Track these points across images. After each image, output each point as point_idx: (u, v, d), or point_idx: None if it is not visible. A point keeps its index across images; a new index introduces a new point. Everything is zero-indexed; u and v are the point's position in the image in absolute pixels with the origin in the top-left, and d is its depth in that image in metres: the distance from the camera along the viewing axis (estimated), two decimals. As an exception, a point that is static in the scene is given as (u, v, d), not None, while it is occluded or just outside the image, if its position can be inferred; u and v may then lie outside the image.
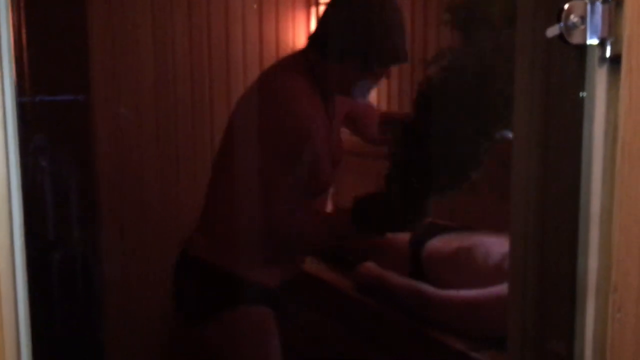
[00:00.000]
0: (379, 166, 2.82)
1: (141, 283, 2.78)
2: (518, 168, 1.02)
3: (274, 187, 1.73)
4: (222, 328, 1.87)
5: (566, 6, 0.86)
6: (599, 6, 0.86)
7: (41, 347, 0.66)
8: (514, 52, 1.00)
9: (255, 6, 2.94)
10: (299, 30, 3.04)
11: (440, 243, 2.24)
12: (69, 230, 2.20)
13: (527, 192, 1.02)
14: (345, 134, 2.09)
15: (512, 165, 1.04)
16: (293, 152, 1.73)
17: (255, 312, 1.89)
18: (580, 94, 0.91)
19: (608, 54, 0.87)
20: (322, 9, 2.99)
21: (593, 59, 0.88)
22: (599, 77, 0.88)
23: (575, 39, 0.86)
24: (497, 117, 1.62)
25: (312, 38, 1.80)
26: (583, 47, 0.88)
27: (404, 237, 2.35)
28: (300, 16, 3.04)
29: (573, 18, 0.86)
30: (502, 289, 1.91)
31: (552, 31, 0.87)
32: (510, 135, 1.70)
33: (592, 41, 0.87)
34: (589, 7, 0.86)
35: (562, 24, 0.86)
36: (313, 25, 3.03)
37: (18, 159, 0.62)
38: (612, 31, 0.86)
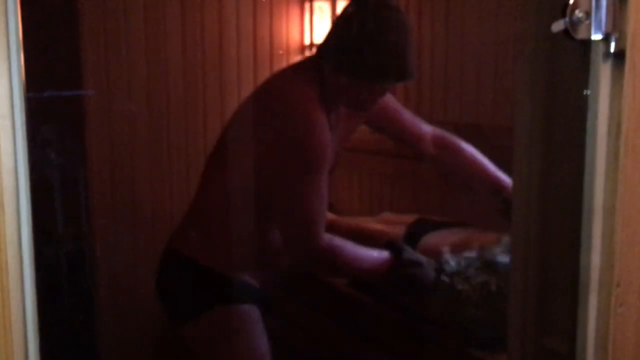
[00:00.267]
0: (371, 161, 2.83)
1: (133, 279, 2.77)
2: (519, 163, 1.02)
3: (310, 201, 1.71)
4: (207, 328, 1.84)
5: (571, 1, 0.86)
6: (603, 2, 0.86)
7: (45, 341, 0.65)
8: (517, 46, 1.00)
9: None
10: (293, 27, 3.03)
11: (435, 239, 2.24)
12: (62, 226, 2.19)
13: (529, 187, 1.02)
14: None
15: (513, 161, 1.04)
16: (320, 164, 1.70)
17: (242, 310, 1.87)
18: (584, 89, 0.91)
19: (612, 49, 0.87)
20: (316, 5, 2.99)
21: (597, 54, 0.88)
22: (603, 73, 0.88)
23: (580, 34, 0.87)
24: None
25: (322, 48, 1.79)
26: (587, 43, 0.88)
27: (397, 232, 2.35)
28: (294, 13, 3.03)
29: (578, 13, 0.86)
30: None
31: (557, 26, 0.87)
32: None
33: (597, 36, 0.87)
34: (593, 2, 0.86)
35: (567, 19, 0.86)
36: (307, 23, 3.02)
37: (26, 153, 0.62)
38: (616, 27, 0.86)
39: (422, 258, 1.86)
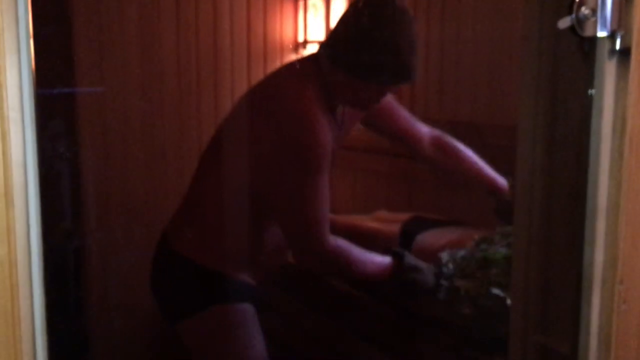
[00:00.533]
0: (367, 159, 2.83)
1: (127, 276, 2.76)
2: (523, 160, 1.02)
3: (314, 203, 1.70)
4: (203, 326, 1.84)
5: (577, -2, 0.86)
6: (609, -1, 0.86)
7: (51, 335, 0.65)
8: (522, 43, 1.00)
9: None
10: (287, 22, 3.03)
11: (430, 237, 2.24)
12: (56, 223, 2.17)
13: (532, 184, 1.02)
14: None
15: (516, 158, 1.04)
16: (321, 166, 1.69)
17: (237, 309, 1.86)
18: (588, 87, 0.91)
19: (618, 46, 0.87)
20: (310, 1, 2.99)
21: (603, 51, 0.88)
22: (608, 70, 0.88)
23: (586, 32, 0.87)
24: None
25: (325, 46, 1.77)
26: (593, 40, 0.88)
27: (393, 230, 2.35)
28: (288, 8, 3.03)
29: (584, 10, 0.86)
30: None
31: (564, 23, 0.87)
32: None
33: (602, 34, 0.87)
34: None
35: (573, 15, 0.86)
36: (301, 19, 3.02)
37: (35, 147, 0.61)
38: (622, 24, 0.87)
39: (422, 264, 1.87)
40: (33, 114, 0.62)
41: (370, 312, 2.15)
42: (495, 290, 1.69)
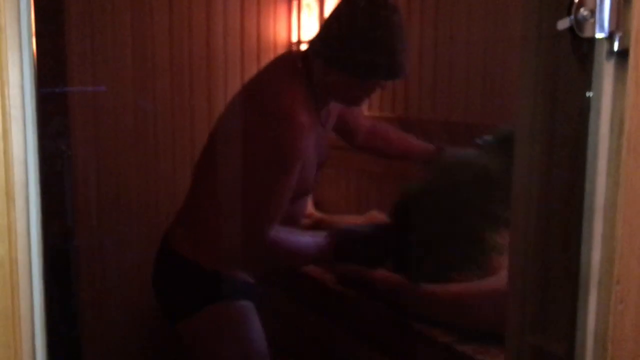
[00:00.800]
0: (359, 159, 2.83)
1: (120, 275, 2.75)
2: (520, 160, 1.03)
3: (267, 197, 1.72)
4: (203, 324, 1.86)
5: (576, -1, 0.86)
6: (607, 0, 0.87)
7: (51, 333, 0.65)
8: (520, 43, 1.00)
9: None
10: (280, 23, 3.02)
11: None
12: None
13: (530, 184, 1.03)
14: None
15: (514, 157, 1.04)
16: (288, 165, 1.71)
17: (238, 306, 1.88)
18: (586, 88, 0.91)
19: (616, 48, 0.87)
20: (304, 2, 2.98)
21: (601, 52, 0.88)
22: (606, 71, 0.89)
23: (585, 32, 0.87)
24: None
25: (314, 43, 1.78)
26: (591, 41, 0.89)
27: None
28: (282, 9, 3.03)
29: (583, 11, 0.86)
30: (486, 283, 1.93)
31: (563, 24, 0.87)
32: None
33: (601, 35, 0.88)
34: (598, 0, 0.87)
35: (572, 16, 0.87)
36: (294, 19, 3.02)
37: (36, 144, 0.61)
38: (620, 25, 0.87)
39: (367, 229, 1.92)
40: (34, 112, 0.61)
41: (365, 311, 2.16)
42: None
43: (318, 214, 2.83)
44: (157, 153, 2.84)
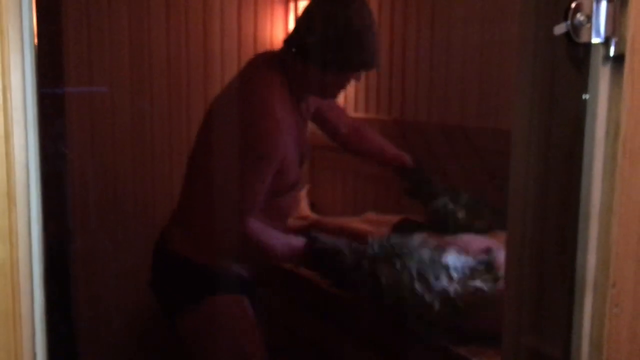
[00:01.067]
0: (356, 160, 2.83)
1: (116, 278, 2.75)
2: (517, 164, 1.03)
3: (245, 186, 1.76)
4: (199, 318, 1.89)
5: (573, 4, 0.87)
6: (603, 6, 0.87)
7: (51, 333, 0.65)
8: (517, 47, 1.01)
9: None
10: (277, 25, 3.03)
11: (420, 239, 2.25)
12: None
13: (526, 188, 1.03)
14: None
15: (511, 162, 1.04)
16: (263, 153, 1.76)
17: (231, 300, 1.91)
18: (583, 92, 0.92)
19: (612, 53, 0.88)
20: (300, 4, 2.99)
21: (597, 57, 0.89)
22: (602, 76, 0.89)
23: (581, 38, 0.88)
24: None
25: (288, 40, 1.84)
26: (588, 46, 0.89)
27: (382, 232, 2.36)
28: (279, 11, 3.03)
29: (580, 17, 0.87)
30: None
31: (559, 29, 0.88)
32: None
33: (597, 40, 0.88)
34: (594, 6, 0.87)
35: (569, 22, 0.87)
36: (291, 20, 3.02)
37: (37, 146, 0.61)
38: (616, 31, 0.88)
39: (342, 244, 1.92)
40: (36, 115, 0.62)
41: (361, 313, 2.16)
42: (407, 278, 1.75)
43: (314, 216, 2.84)
44: (154, 154, 2.84)
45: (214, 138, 1.88)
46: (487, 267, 1.79)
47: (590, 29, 0.88)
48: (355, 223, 2.56)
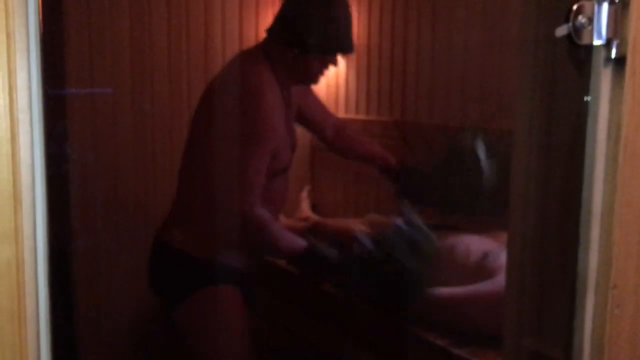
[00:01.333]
0: (354, 162, 2.83)
1: (117, 277, 2.76)
2: (519, 165, 1.04)
3: (247, 171, 1.82)
4: (193, 307, 1.94)
5: (575, 7, 0.87)
6: (605, 8, 0.88)
7: (55, 334, 0.65)
8: (518, 49, 1.01)
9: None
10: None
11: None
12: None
13: (527, 189, 1.04)
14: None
15: (512, 162, 1.05)
16: (261, 137, 1.84)
17: (223, 291, 1.95)
18: (584, 94, 0.92)
19: (613, 55, 0.88)
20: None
21: (599, 59, 0.89)
22: (604, 78, 0.90)
23: (583, 40, 0.88)
24: None
25: (271, 29, 1.94)
26: (589, 48, 0.90)
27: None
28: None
29: (581, 19, 0.88)
30: (482, 287, 1.94)
31: (561, 31, 0.88)
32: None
33: (598, 42, 0.89)
34: (596, 8, 0.88)
35: (570, 24, 0.88)
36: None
37: (43, 147, 0.61)
38: (617, 33, 0.88)
39: (334, 252, 1.98)
40: (41, 115, 0.62)
41: (361, 314, 2.16)
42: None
43: (315, 217, 2.84)
44: (155, 155, 2.84)
45: (207, 131, 1.94)
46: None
47: (591, 31, 0.88)
48: (357, 225, 2.56)
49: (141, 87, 2.80)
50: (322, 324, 2.33)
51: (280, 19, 1.93)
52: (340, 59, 3.17)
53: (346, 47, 1.95)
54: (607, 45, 0.89)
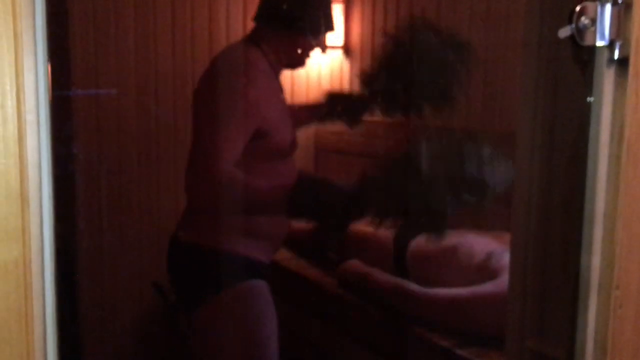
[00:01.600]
0: (361, 163, 2.84)
1: (121, 277, 2.76)
2: (521, 167, 1.04)
3: (219, 135, 1.79)
4: (221, 307, 1.87)
5: (578, 8, 0.88)
6: (608, 9, 0.88)
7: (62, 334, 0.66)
8: (521, 50, 1.01)
9: None
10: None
11: (425, 242, 2.26)
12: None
13: (530, 190, 1.04)
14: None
15: (515, 162, 1.05)
16: (236, 111, 1.83)
17: (252, 286, 1.90)
18: (587, 95, 0.93)
19: (616, 56, 0.89)
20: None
21: (601, 60, 0.90)
22: (607, 79, 0.90)
23: (586, 41, 0.88)
24: None
25: (258, 15, 1.97)
26: (592, 49, 0.90)
27: (387, 235, 2.37)
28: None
29: (584, 20, 0.88)
30: (486, 287, 1.94)
31: (564, 32, 0.89)
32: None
33: (601, 43, 0.89)
34: (599, 9, 0.88)
35: (573, 25, 0.88)
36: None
37: (49, 148, 0.62)
38: (620, 34, 0.88)
39: (327, 185, 1.89)
40: (48, 116, 0.63)
41: (364, 315, 2.17)
42: None
43: (319, 218, 2.84)
44: (160, 154, 2.85)
45: (205, 122, 1.90)
46: None
47: (594, 32, 0.88)
48: (360, 225, 2.56)
49: (145, 87, 2.81)
50: (324, 324, 2.34)
51: (265, 2, 1.97)
52: (343, 60, 3.19)
53: (330, 27, 2.00)
54: (610, 46, 0.89)
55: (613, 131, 0.91)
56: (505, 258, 1.93)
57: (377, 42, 2.80)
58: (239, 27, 2.95)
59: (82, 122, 2.66)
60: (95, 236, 2.69)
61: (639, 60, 0.88)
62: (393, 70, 2.05)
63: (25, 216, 0.61)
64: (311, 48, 2.00)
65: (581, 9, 0.88)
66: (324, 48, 2.05)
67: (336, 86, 3.09)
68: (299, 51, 1.98)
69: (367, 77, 2.11)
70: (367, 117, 2.89)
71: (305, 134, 2.23)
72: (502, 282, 1.85)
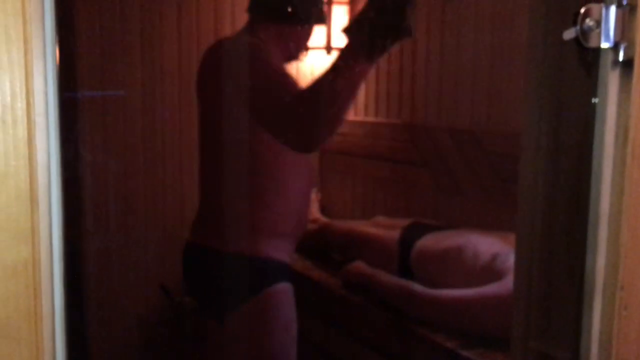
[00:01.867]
0: (366, 164, 2.84)
1: (127, 278, 2.77)
2: (527, 168, 1.04)
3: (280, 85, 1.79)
4: (252, 312, 1.84)
5: (582, 10, 0.88)
6: (613, 10, 0.88)
7: (70, 335, 0.66)
8: (526, 52, 1.02)
9: None
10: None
11: (430, 242, 2.26)
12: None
13: (535, 191, 1.04)
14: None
15: (520, 164, 1.05)
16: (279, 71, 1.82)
17: (280, 290, 1.87)
18: (592, 97, 0.93)
19: (621, 58, 0.89)
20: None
21: (606, 62, 0.90)
22: (611, 81, 0.90)
23: (590, 43, 0.89)
24: None
25: (249, 8, 1.95)
26: (597, 51, 0.90)
27: (392, 236, 2.37)
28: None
29: (589, 22, 0.88)
30: (491, 289, 1.94)
31: (569, 34, 0.89)
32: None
33: (606, 45, 0.89)
34: (603, 11, 0.88)
35: (578, 27, 0.88)
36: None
37: (59, 150, 0.63)
38: (625, 36, 0.88)
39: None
40: (57, 119, 0.64)
41: (369, 316, 2.17)
42: None
43: (324, 219, 2.85)
44: (166, 156, 2.86)
45: (218, 120, 1.91)
46: None
47: (599, 34, 0.89)
48: (365, 226, 2.57)
49: (152, 89, 2.82)
50: (328, 325, 2.34)
51: None
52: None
53: (322, 18, 2.03)
54: (615, 48, 0.89)
55: (618, 133, 0.92)
56: (510, 259, 1.94)
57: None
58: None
59: (90, 123, 2.67)
60: (103, 237, 2.70)
61: (644, 62, 0.88)
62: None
63: (34, 218, 0.62)
64: (303, 40, 1.99)
65: (586, 11, 0.88)
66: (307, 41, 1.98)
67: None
68: (294, 45, 1.96)
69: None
70: (369, 119, 2.90)
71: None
72: (507, 284, 1.85)
